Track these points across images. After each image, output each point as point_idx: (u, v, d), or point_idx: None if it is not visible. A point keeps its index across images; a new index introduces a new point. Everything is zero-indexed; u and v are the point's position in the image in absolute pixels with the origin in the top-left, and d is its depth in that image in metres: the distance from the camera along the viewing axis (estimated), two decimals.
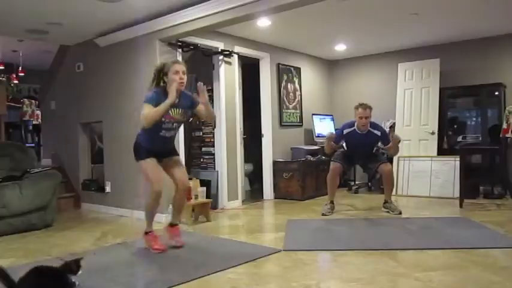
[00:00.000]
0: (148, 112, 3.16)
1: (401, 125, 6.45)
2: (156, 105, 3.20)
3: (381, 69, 7.15)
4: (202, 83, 3.37)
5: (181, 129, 5.02)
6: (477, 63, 6.24)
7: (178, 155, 3.68)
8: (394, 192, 6.11)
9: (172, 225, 3.64)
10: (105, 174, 5.58)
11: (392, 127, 6.56)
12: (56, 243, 3.89)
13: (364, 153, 4.95)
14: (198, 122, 5.97)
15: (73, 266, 2.49)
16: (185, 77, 3.35)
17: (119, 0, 4.13)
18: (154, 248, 3.40)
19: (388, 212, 4.79)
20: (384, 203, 4.90)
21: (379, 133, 4.83)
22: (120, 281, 2.74)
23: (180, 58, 5.01)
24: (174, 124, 3.41)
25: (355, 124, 4.84)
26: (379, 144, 5.05)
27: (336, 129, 5.01)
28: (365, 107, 4.76)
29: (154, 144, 3.41)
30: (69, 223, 4.85)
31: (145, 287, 2.62)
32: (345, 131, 4.86)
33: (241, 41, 5.77)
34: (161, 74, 3.37)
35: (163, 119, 3.29)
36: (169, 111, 3.30)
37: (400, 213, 4.69)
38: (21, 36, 5.68)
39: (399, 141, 4.74)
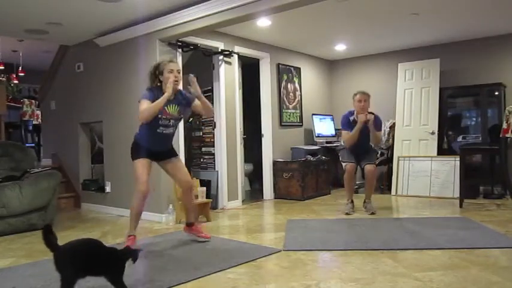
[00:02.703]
0: (145, 107, 3.24)
1: (401, 125, 6.45)
2: (152, 102, 3.27)
3: (381, 69, 7.15)
4: (193, 75, 3.44)
5: (181, 129, 5.03)
6: (477, 63, 6.25)
7: (177, 155, 3.69)
8: (394, 192, 6.16)
9: (189, 224, 3.71)
10: (105, 174, 5.58)
11: (392, 127, 6.57)
12: None
13: (364, 144, 4.94)
14: (198, 122, 5.98)
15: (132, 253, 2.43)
16: (180, 75, 3.43)
17: (119, 0, 4.12)
18: None
19: (366, 211, 4.83)
20: (364, 202, 4.95)
21: (372, 117, 4.85)
22: None
23: (180, 58, 5.02)
24: (171, 121, 3.44)
25: (354, 113, 4.90)
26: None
27: (342, 121, 5.04)
28: (363, 92, 4.90)
29: (152, 143, 3.43)
30: (69, 223, 4.85)
31: (144, 287, 2.62)
32: (351, 118, 4.92)
33: (241, 41, 5.77)
34: (157, 72, 3.43)
35: (159, 116, 3.33)
36: (165, 107, 3.35)
37: (373, 213, 4.73)
38: (21, 36, 5.68)
39: (367, 120, 4.71)
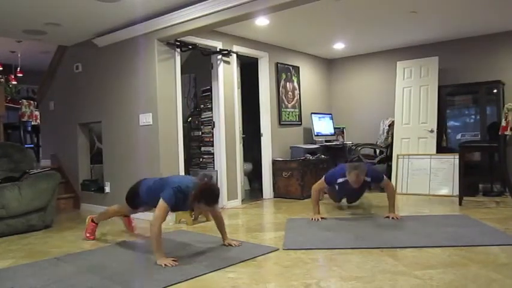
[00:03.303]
0: (157, 226, 3.12)
1: (400, 123, 6.46)
2: (172, 206, 3.22)
3: (380, 68, 7.15)
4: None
5: (180, 129, 5.03)
6: (476, 61, 6.25)
7: None
8: None
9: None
10: (104, 174, 5.57)
11: (391, 125, 6.58)
12: (55, 244, 3.89)
13: (356, 196, 5.02)
14: (196, 122, 5.98)
15: None
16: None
17: (117, 0, 4.12)
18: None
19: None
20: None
21: (369, 179, 4.47)
22: (118, 280, 2.73)
23: (178, 58, 5.02)
24: None
25: (345, 177, 4.39)
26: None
27: (328, 174, 4.68)
28: (357, 173, 4.20)
29: None
30: (68, 224, 4.84)
31: (143, 286, 2.62)
32: (339, 180, 4.49)
33: (239, 40, 5.76)
34: (201, 195, 3.16)
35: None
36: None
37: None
38: (19, 36, 5.66)
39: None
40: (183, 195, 3.21)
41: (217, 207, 3.57)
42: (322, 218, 4.47)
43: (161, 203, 3.19)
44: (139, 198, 3.61)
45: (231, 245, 3.51)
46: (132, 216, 4.22)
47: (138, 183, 3.69)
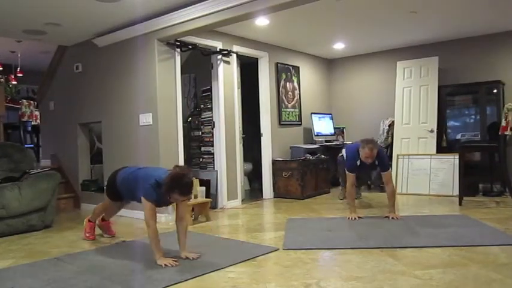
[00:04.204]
0: (151, 227, 3.11)
1: (400, 123, 6.46)
2: (155, 201, 3.16)
3: (380, 68, 7.15)
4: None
5: (180, 129, 5.04)
6: (476, 61, 6.25)
7: None
8: None
9: (104, 220, 4.07)
10: (104, 174, 5.57)
11: (391, 125, 6.58)
12: (55, 244, 3.89)
13: (366, 173, 5.05)
14: (196, 122, 5.98)
15: None
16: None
17: (117, 0, 4.12)
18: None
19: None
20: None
21: (377, 162, 4.49)
22: (118, 280, 2.74)
23: (178, 58, 5.02)
24: None
25: (359, 155, 4.45)
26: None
27: (346, 159, 4.71)
28: (371, 147, 4.30)
29: None
30: (68, 224, 4.84)
31: (143, 286, 2.62)
32: (357, 163, 4.50)
33: (239, 40, 5.76)
34: (174, 188, 3.04)
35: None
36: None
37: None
38: (19, 36, 5.66)
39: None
40: (161, 190, 3.10)
41: (184, 206, 3.29)
42: (359, 217, 4.45)
43: (144, 202, 3.15)
44: (117, 189, 3.57)
45: (188, 258, 3.17)
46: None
47: (116, 172, 3.65)
